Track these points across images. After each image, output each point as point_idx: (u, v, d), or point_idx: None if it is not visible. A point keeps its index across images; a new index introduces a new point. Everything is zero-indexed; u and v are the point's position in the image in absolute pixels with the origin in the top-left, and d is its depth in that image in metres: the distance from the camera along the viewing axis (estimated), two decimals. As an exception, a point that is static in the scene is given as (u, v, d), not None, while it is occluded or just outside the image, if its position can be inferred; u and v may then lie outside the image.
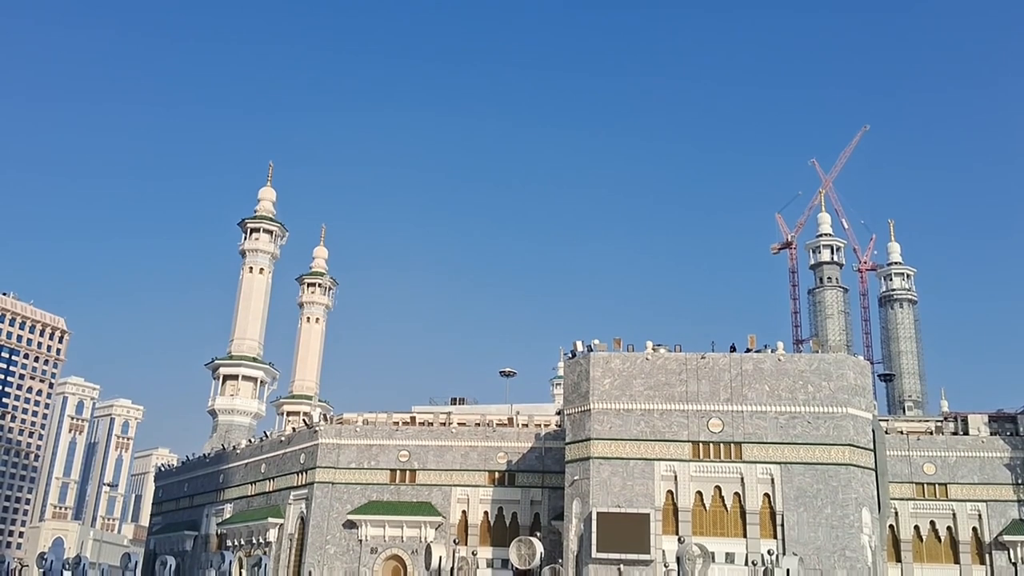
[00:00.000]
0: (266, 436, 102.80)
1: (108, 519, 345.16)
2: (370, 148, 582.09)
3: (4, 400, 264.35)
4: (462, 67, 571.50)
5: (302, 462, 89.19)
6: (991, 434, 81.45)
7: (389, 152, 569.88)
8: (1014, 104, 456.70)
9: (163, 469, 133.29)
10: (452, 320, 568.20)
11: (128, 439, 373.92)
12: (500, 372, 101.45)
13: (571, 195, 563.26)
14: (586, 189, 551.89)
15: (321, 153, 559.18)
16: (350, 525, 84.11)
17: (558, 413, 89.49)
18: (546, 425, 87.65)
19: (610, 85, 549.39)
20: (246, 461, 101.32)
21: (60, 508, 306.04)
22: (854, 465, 68.99)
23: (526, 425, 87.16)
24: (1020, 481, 79.36)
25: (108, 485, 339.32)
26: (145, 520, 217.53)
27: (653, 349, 73.42)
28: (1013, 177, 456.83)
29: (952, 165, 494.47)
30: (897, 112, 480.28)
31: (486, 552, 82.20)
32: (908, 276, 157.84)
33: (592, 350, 74.08)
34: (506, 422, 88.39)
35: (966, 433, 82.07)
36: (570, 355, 76.72)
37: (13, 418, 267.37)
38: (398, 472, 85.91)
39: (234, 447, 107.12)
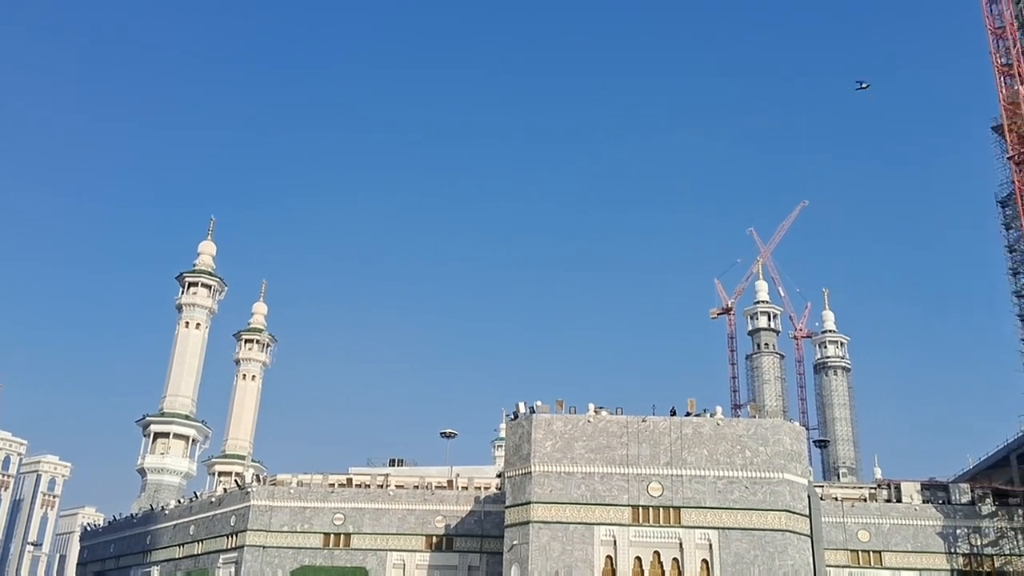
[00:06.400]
0: (196, 496, 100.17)
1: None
2: (314, 206, 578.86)
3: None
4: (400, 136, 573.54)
5: (232, 524, 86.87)
6: (924, 502, 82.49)
7: (333, 211, 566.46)
8: (945, 178, 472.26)
9: (89, 528, 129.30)
10: (393, 380, 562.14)
11: (55, 496, 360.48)
12: (441, 433, 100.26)
13: (512, 257, 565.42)
14: (528, 252, 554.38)
15: (264, 207, 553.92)
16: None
17: (499, 476, 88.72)
18: (486, 488, 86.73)
19: (555, 143, 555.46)
20: (175, 522, 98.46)
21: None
22: (790, 531, 69.03)
23: (466, 488, 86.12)
24: (952, 550, 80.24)
25: (32, 544, 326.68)
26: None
27: (595, 411, 73.19)
28: (945, 248, 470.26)
29: (885, 236, 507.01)
30: (832, 184, 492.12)
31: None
32: (842, 344, 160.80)
33: (535, 411, 73.69)
34: (445, 484, 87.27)
35: (899, 500, 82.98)
36: (512, 416, 76.21)
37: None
38: (332, 536, 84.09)
39: (163, 507, 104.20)
